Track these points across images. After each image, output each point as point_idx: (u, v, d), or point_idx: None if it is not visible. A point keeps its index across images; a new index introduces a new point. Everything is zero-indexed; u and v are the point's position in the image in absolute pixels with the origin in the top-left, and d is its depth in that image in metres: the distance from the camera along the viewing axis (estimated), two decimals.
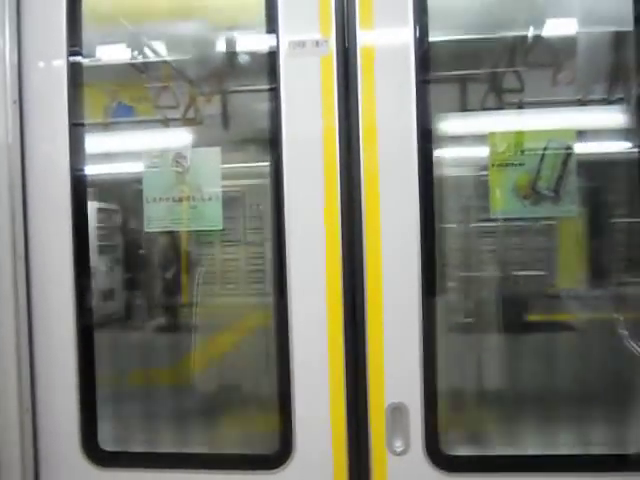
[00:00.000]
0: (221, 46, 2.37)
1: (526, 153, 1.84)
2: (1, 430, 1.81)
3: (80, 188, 1.90)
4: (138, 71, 2.50)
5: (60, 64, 1.87)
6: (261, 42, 1.89)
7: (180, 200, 1.90)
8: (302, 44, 1.77)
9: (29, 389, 1.86)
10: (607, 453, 1.82)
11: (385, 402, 1.75)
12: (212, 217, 1.89)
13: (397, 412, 1.75)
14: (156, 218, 1.91)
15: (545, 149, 1.82)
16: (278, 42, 1.78)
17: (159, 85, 2.44)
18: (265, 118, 1.84)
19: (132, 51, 2.38)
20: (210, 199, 1.89)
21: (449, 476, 1.75)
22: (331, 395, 1.77)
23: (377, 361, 1.76)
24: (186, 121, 2.44)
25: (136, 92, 2.51)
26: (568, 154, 1.82)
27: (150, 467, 1.87)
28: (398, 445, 1.75)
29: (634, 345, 1.98)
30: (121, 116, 2.58)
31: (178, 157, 1.90)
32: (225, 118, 2.76)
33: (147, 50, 2.44)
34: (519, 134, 1.86)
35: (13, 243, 1.83)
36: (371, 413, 1.77)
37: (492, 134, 1.85)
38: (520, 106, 2.36)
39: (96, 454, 1.89)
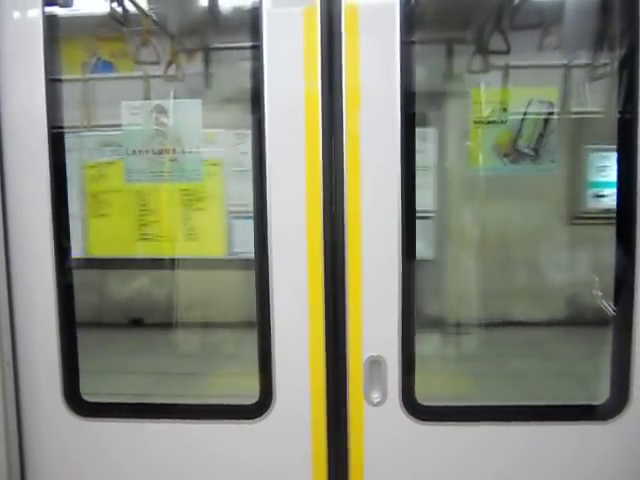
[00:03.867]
0: None
1: (508, 111, 1.84)
2: None
3: (58, 140, 1.85)
4: (118, 23, 2.42)
5: (35, 14, 1.79)
6: None
7: (160, 153, 1.88)
8: None
9: (9, 341, 1.85)
10: (581, 404, 1.88)
11: (363, 355, 1.79)
12: (193, 171, 1.88)
13: (375, 365, 1.78)
14: (136, 171, 1.88)
15: (527, 107, 1.82)
16: None
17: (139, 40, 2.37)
18: (247, 76, 1.79)
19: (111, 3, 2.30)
20: (191, 152, 1.87)
21: (424, 425, 1.80)
22: (311, 348, 1.80)
23: (356, 315, 1.79)
24: (167, 78, 2.39)
25: (116, 47, 2.43)
26: (550, 112, 1.83)
27: (131, 417, 1.89)
28: (375, 396, 1.80)
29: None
30: (100, 72, 2.51)
31: (157, 109, 1.87)
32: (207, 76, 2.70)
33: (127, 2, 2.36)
34: (502, 91, 1.86)
35: None
36: (350, 366, 1.80)
37: (475, 91, 1.84)
38: (506, 69, 2.36)
39: (78, 405, 1.90)
